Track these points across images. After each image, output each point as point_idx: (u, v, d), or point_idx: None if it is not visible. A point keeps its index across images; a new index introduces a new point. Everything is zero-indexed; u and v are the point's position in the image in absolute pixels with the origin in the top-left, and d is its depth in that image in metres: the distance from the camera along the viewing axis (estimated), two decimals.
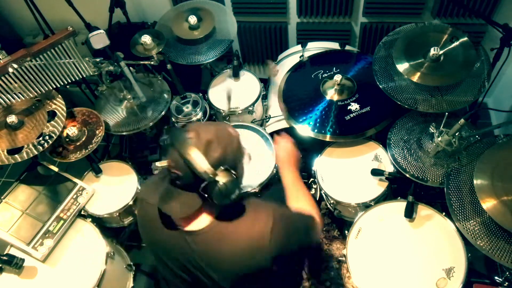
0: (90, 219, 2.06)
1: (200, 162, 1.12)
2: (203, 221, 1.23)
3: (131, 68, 2.17)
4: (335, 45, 2.54)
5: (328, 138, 2.07)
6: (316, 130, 2.10)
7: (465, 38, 1.92)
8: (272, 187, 2.10)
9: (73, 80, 1.97)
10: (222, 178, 1.14)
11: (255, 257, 1.22)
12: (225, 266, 1.24)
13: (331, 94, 2.21)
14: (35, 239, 1.91)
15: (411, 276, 1.67)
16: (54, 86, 1.93)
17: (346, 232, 1.91)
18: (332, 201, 2.06)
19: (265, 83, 2.63)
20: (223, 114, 2.38)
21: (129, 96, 2.32)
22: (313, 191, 2.20)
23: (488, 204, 1.51)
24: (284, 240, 1.24)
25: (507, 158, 1.61)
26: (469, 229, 1.59)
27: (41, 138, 1.95)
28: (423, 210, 1.83)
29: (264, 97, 2.52)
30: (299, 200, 1.46)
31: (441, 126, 1.79)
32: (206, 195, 1.16)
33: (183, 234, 1.23)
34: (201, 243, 1.22)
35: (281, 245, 1.23)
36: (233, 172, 1.16)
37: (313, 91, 2.25)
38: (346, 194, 1.98)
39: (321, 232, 2.42)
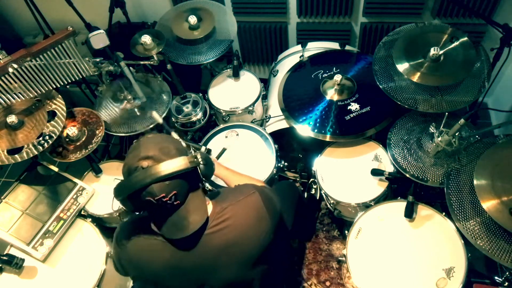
0: (90, 219, 2.06)
1: (176, 164, 1.12)
2: (208, 210, 1.26)
3: (131, 68, 2.17)
4: (335, 45, 2.54)
5: (328, 138, 2.08)
6: (316, 130, 2.10)
7: (465, 38, 1.92)
8: (273, 186, 2.10)
9: (73, 80, 1.97)
10: (197, 154, 1.20)
11: (262, 225, 1.27)
12: (246, 243, 1.25)
13: (331, 94, 2.21)
14: (35, 239, 1.91)
15: (411, 276, 1.67)
16: (54, 86, 1.93)
17: (346, 232, 1.91)
18: (332, 201, 2.05)
19: (265, 83, 2.63)
20: (223, 114, 2.38)
21: (129, 97, 2.32)
22: (313, 191, 2.20)
23: (488, 204, 1.51)
24: (273, 204, 1.33)
25: (507, 158, 1.61)
26: (469, 229, 1.59)
27: (41, 138, 1.95)
28: (423, 210, 1.83)
29: (264, 97, 2.52)
30: (244, 178, 1.58)
31: (441, 126, 1.79)
32: (204, 179, 1.23)
33: (203, 237, 1.22)
34: (220, 232, 1.22)
35: (274, 210, 1.32)
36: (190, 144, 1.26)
37: (313, 91, 2.25)
38: (346, 194, 1.99)
39: (321, 231, 2.42)
